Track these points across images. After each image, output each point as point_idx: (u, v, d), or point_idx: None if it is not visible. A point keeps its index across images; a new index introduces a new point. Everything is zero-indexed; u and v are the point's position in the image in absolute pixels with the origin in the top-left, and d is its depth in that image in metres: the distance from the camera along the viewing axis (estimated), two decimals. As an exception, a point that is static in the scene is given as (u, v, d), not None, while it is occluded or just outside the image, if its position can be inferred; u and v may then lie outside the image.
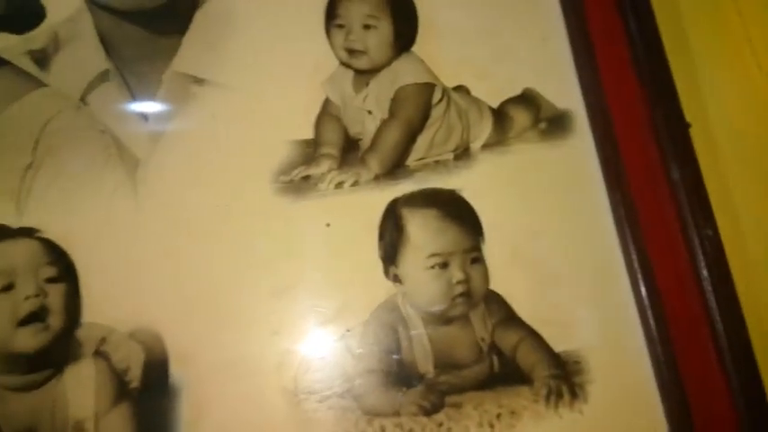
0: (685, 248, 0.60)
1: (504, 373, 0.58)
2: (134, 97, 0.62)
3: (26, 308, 0.54)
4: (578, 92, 0.65)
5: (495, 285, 0.60)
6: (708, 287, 0.59)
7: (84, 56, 0.62)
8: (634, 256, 0.60)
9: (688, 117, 0.64)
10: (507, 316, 0.60)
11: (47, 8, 0.63)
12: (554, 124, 0.65)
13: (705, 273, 0.60)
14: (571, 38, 0.66)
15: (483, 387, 0.58)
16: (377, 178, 0.62)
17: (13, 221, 0.58)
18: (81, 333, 0.56)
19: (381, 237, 0.60)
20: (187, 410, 0.55)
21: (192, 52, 0.63)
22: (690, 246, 0.60)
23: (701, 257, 0.60)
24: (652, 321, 0.59)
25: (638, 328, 0.60)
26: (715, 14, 0.68)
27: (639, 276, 0.60)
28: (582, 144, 0.64)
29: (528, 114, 0.65)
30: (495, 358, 0.59)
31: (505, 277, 0.60)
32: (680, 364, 0.58)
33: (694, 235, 0.60)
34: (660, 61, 0.65)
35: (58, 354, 0.55)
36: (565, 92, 0.65)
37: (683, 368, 0.58)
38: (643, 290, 0.60)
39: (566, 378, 0.58)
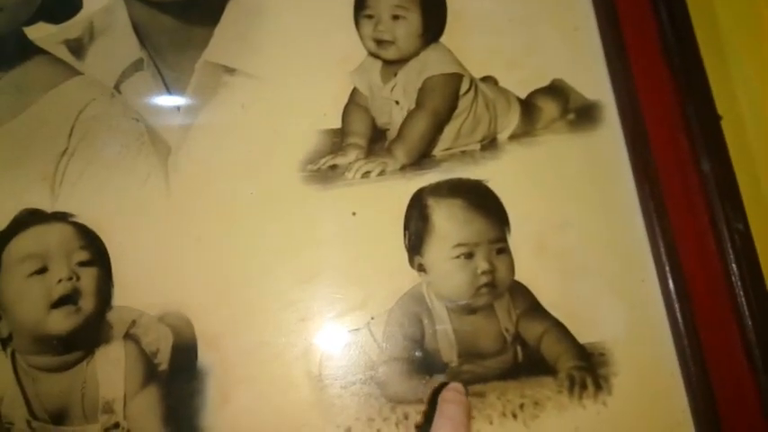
0: (715, 242, 0.60)
1: (528, 364, 0.58)
2: (167, 86, 0.63)
3: (59, 291, 0.56)
4: (608, 83, 0.65)
5: (520, 276, 0.60)
6: (737, 282, 0.59)
7: (118, 45, 0.64)
8: (662, 249, 0.59)
9: (719, 109, 0.63)
10: (532, 307, 0.60)
11: (83, -1, 0.64)
12: (583, 115, 0.64)
13: (734, 267, 0.59)
14: (601, 28, 0.65)
15: (506, 377, 0.58)
16: (403, 168, 0.62)
17: (48, 206, 0.59)
18: (112, 316, 0.57)
19: (407, 226, 0.61)
20: (214, 393, 0.56)
21: (223, 42, 0.64)
22: (719, 240, 0.59)
23: (730, 252, 0.59)
24: (679, 315, 0.58)
25: (664, 321, 0.59)
26: (748, 6, 0.67)
27: (667, 270, 0.59)
28: (611, 135, 0.63)
29: (556, 105, 0.64)
30: (519, 348, 0.59)
31: (531, 268, 0.60)
32: (707, 360, 0.58)
33: (724, 229, 0.59)
34: (692, 52, 0.64)
35: (89, 336, 0.56)
36: (594, 82, 0.65)
37: (710, 363, 0.58)
38: (671, 283, 0.59)
39: (590, 370, 0.58)
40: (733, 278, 0.59)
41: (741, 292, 0.58)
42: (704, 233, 0.60)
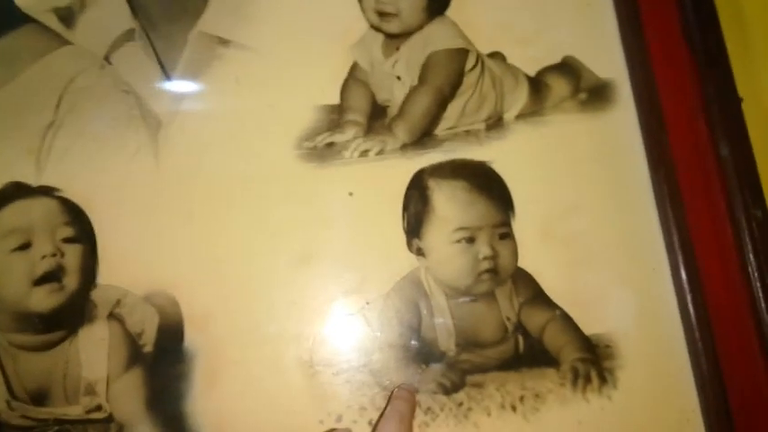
0: (731, 231, 0.56)
1: (529, 355, 0.56)
2: (158, 57, 0.61)
3: (42, 267, 0.54)
4: (623, 61, 0.61)
5: (524, 263, 0.57)
6: (753, 273, 0.55)
7: (109, 14, 0.61)
8: (675, 237, 0.56)
9: (740, 91, 0.59)
10: (536, 295, 0.57)
11: (73, -35, 0.62)
12: (595, 95, 0.61)
13: (751, 257, 0.55)
14: (616, 3, 0.62)
15: (507, 368, 0.55)
16: (404, 147, 0.59)
17: (33, 180, 0.57)
18: (96, 294, 0.55)
19: (406, 208, 0.58)
20: (200, 377, 0.54)
21: (218, 12, 0.62)
22: (736, 228, 0.56)
23: (747, 241, 0.56)
24: (691, 307, 0.56)
25: (675, 313, 0.56)
26: (774, -16, 0.63)
27: (680, 259, 0.56)
28: (624, 116, 0.60)
29: (567, 83, 0.61)
30: (520, 338, 0.56)
31: (536, 255, 0.57)
32: (719, 355, 0.55)
33: (742, 216, 0.56)
34: (713, 30, 0.60)
35: (72, 314, 0.54)
36: (608, 61, 0.61)
37: (723, 359, 0.55)
38: (683, 273, 0.56)
39: (595, 362, 0.55)
40: (750, 269, 0.56)
41: (758, 285, 0.55)
42: (720, 221, 0.57)
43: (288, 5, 0.62)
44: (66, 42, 0.60)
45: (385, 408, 0.52)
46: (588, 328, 0.56)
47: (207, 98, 0.60)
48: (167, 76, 0.60)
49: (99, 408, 0.53)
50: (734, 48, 0.60)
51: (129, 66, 0.60)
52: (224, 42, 0.61)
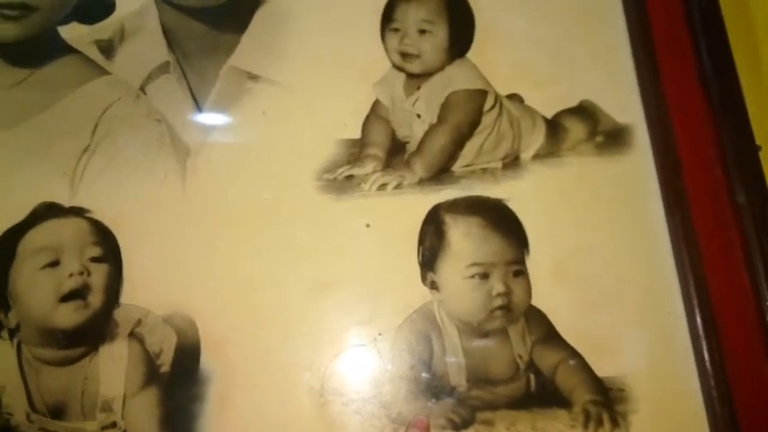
0: (748, 278, 0.56)
1: (540, 394, 0.55)
2: (191, 90, 0.64)
3: (69, 285, 0.56)
4: (640, 106, 0.62)
5: (537, 301, 0.58)
6: (771, 321, 0.55)
7: (147, 47, 0.65)
8: (691, 282, 0.56)
9: (759, 140, 0.60)
10: (548, 334, 0.57)
11: (116, 1, 0.66)
12: (612, 138, 0.62)
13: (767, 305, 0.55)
14: (634, 49, 0.63)
15: (517, 406, 0.55)
16: (421, 182, 0.61)
17: (66, 200, 0.60)
18: (119, 313, 0.57)
19: (421, 242, 0.59)
20: (214, 400, 0.55)
21: (249, 49, 0.65)
22: (753, 276, 0.56)
23: (764, 288, 0.55)
24: (706, 353, 0.55)
25: (690, 358, 0.56)
26: (793, 36, 0.64)
27: (695, 304, 0.56)
28: (641, 161, 0.61)
29: (584, 126, 0.62)
30: (532, 377, 0.56)
31: (549, 293, 0.58)
32: (736, 402, 0.54)
33: (759, 264, 0.56)
34: (730, 78, 0.61)
35: (94, 332, 0.56)
36: (625, 105, 0.63)
37: (739, 406, 0.54)
38: (698, 319, 0.56)
39: (608, 405, 0.55)
40: (766, 318, 0.55)
41: (774, 333, 0.55)
42: (737, 268, 0.57)
43: (316, 44, 0.65)
44: (104, 72, 0.64)
45: None
46: (601, 370, 0.56)
47: (234, 129, 0.63)
48: (198, 107, 0.63)
49: (114, 425, 0.54)
50: (751, 97, 0.61)
51: (163, 96, 0.63)
52: (253, 77, 0.64)
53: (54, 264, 0.56)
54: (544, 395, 0.56)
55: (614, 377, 0.56)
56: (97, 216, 0.59)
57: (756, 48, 0.64)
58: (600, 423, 0.54)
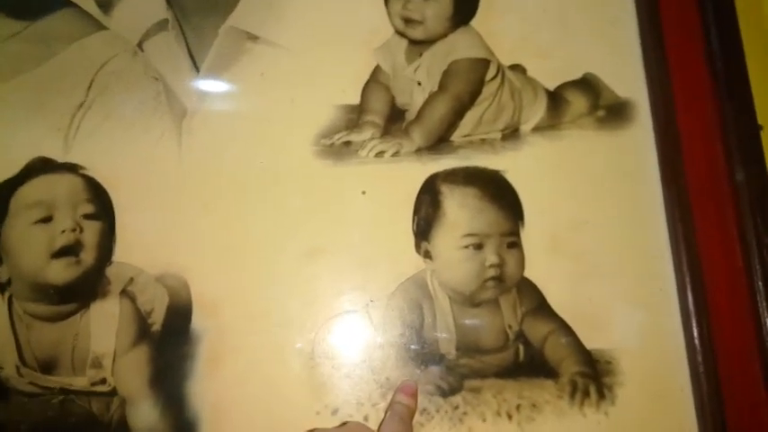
0: (741, 257, 0.56)
1: (528, 364, 0.56)
2: (189, 48, 0.63)
3: (61, 241, 0.56)
4: (643, 81, 0.62)
5: (530, 273, 0.58)
6: (762, 302, 0.55)
7: (145, 3, 0.63)
8: (684, 258, 0.56)
9: (761, 119, 0.59)
10: (539, 306, 0.57)
11: (115, -45, 0.64)
12: (613, 112, 0.61)
13: (760, 285, 0.55)
14: (641, 23, 0.62)
15: (505, 375, 0.55)
16: (419, 151, 0.60)
17: (60, 156, 0.59)
18: (111, 271, 0.56)
19: (417, 210, 0.59)
20: (204, 359, 0.55)
21: (249, 9, 0.64)
22: (746, 254, 0.56)
23: (757, 268, 0.55)
24: (695, 330, 0.55)
25: (679, 334, 0.56)
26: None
27: (687, 280, 0.56)
28: (641, 136, 0.61)
29: (586, 100, 0.61)
30: (521, 347, 0.56)
31: (542, 266, 0.58)
32: (722, 379, 0.54)
33: (753, 243, 0.56)
34: (736, 55, 0.60)
35: (86, 289, 0.56)
36: (628, 80, 0.62)
37: (724, 383, 0.54)
38: (690, 295, 0.56)
39: (595, 377, 0.55)
40: (758, 297, 0.55)
41: (765, 312, 0.55)
42: (731, 245, 0.57)
43: (317, 6, 0.64)
44: (101, 27, 0.63)
45: (387, 409, 0.53)
46: (590, 343, 0.56)
47: (232, 91, 0.62)
48: (196, 67, 0.62)
49: (104, 381, 0.54)
50: (757, 75, 0.60)
51: (160, 54, 0.62)
52: (253, 38, 0.63)
53: (47, 219, 0.56)
54: (532, 365, 0.56)
55: (603, 350, 0.56)
56: (91, 173, 0.59)
57: (764, 25, 0.63)
58: (586, 394, 0.55)
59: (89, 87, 0.61)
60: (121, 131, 0.60)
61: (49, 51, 0.61)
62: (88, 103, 0.60)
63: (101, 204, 0.57)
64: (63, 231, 0.56)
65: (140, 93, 0.61)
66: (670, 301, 0.57)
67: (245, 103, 0.62)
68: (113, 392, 0.54)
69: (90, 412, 0.54)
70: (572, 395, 0.55)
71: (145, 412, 0.54)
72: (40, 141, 0.59)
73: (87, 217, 0.57)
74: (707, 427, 0.53)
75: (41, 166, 0.58)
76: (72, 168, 0.58)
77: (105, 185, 0.58)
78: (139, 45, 0.62)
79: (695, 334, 0.55)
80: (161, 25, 0.63)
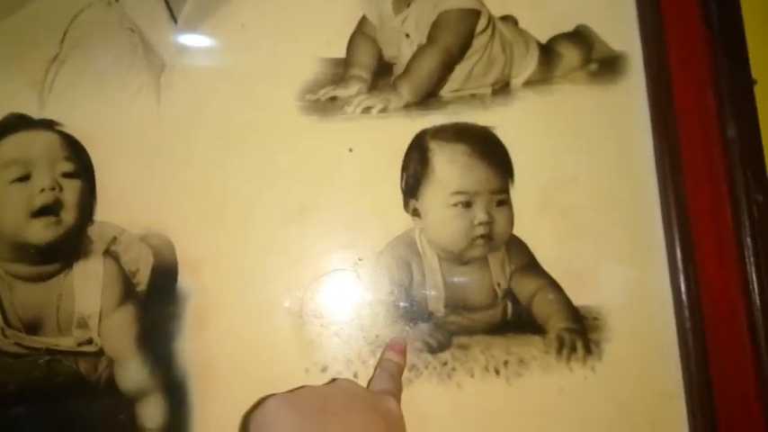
0: (731, 212, 0.56)
1: (516, 321, 0.56)
2: (166, -2, 0.60)
3: (40, 200, 0.54)
4: (637, 34, 0.60)
5: (519, 231, 0.57)
6: (749, 257, 0.55)
7: (119, -50, 0.60)
8: (673, 214, 0.56)
9: (755, 73, 0.58)
10: (528, 263, 0.57)
11: None
12: (606, 66, 0.60)
13: (749, 241, 0.55)
14: (636, -27, 0.60)
15: (493, 332, 0.56)
16: (407, 106, 0.59)
17: (35, 112, 0.57)
18: (93, 231, 0.55)
19: (405, 168, 0.58)
20: (191, 318, 0.55)
21: (229, -44, 0.60)
22: (736, 210, 0.56)
23: (746, 224, 0.55)
24: (683, 286, 0.56)
25: (667, 291, 0.56)
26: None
27: (676, 236, 0.56)
28: (634, 91, 0.59)
29: (578, 53, 0.60)
30: (509, 304, 0.56)
31: (532, 223, 0.57)
32: (708, 336, 0.55)
33: (743, 199, 0.56)
34: (732, 8, 0.59)
35: (68, 249, 0.55)
36: (622, 32, 0.60)
37: (711, 340, 0.55)
38: (678, 252, 0.56)
39: (582, 333, 0.55)
40: (746, 252, 0.55)
41: (753, 269, 0.55)
42: (720, 202, 0.56)
43: (300, -47, 0.61)
44: (74, -24, 0.60)
45: (377, 366, 0.53)
46: (577, 299, 0.56)
47: (212, 43, 0.60)
48: (173, 18, 0.60)
49: (90, 341, 0.54)
50: (752, 29, 0.59)
51: (136, 5, 0.60)
52: (233, -14, 0.60)
53: (24, 178, 0.55)
54: (520, 322, 0.56)
55: (590, 306, 0.56)
56: (68, 130, 0.57)
57: (762, -24, 0.61)
58: (573, 349, 0.55)
59: (62, 40, 0.58)
60: (98, 86, 0.58)
61: (17, 2, 0.58)
62: (62, 57, 0.58)
63: (80, 162, 0.56)
64: (42, 190, 0.54)
65: (116, 45, 0.59)
66: (658, 257, 0.57)
67: (226, 56, 0.60)
68: (100, 352, 0.54)
69: (77, 372, 0.54)
70: (559, 351, 0.55)
71: (133, 372, 0.54)
72: (14, 97, 0.57)
73: (66, 175, 0.55)
74: (692, 382, 0.54)
75: (16, 124, 0.56)
76: (48, 125, 0.56)
77: (83, 142, 0.57)
78: (114, -6, 0.59)
79: (683, 290, 0.55)
80: (137, -27, 0.60)
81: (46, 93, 0.57)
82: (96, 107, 0.57)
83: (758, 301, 0.55)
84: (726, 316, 0.55)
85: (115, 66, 0.58)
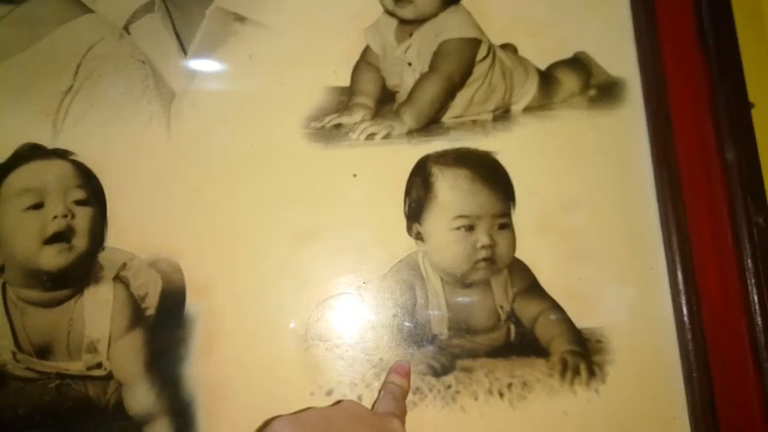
0: (731, 235, 0.57)
1: (520, 344, 0.56)
2: (176, 30, 0.62)
3: (53, 227, 0.56)
4: (635, 60, 0.61)
5: (521, 254, 0.58)
6: (750, 279, 0.56)
7: (131, -15, 0.62)
8: (674, 237, 0.57)
9: (752, 97, 0.59)
10: (530, 286, 0.58)
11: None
12: (605, 92, 0.61)
13: (749, 263, 0.56)
14: (632, 1, 0.62)
15: (497, 355, 0.56)
16: (410, 133, 0.60)
17: (49, 142, 0.59)
18: (103, 257, 0.57)
19: (408, 192, 0.59)
20: (199, 342, 0.56)
21: (236, -11, 0.63)
22: (736, 233, 0.56)
23: (746, 246, 0.56)
24: (685, 308, 0.56)
25: (669, 313, 0.57)
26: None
27: (677, 259, 0.57)
28: (632, 115, 0.60)
29: (577, 79, 0.61)
30: (512, 327, 0.57)
31: (534, 246, 0.58)
32: (710, 357, 0.55)
33: (743, 222, 0.56)
34: (728, 33, 0.60)
35: (79, 274, 0.56)
36: (620, 58, 0.62)
37: (714, 361, 0.55)
38: (680, 274, 0.57)
39: (585, 355, 0.56)
40: (747, 275, 0.56)
41: (754, 291, 0.55)
42: (721, 225, 0.57)
43: (305, -14, 0.63)
44: (87, 10, 0.62)
45: (381, 389, 0.54)
46: (580, 322, 0.57)
47: (220, 73, 0.62)
48: (183, 49, 0.62)
49: (99, 365, 0.55)
50: (748, 53, 0.60)
51: (147, 37, 0.62)
52: (240, 19, 0.62)
53: (38, 206, 0.56)
54: (523, 345, 0.57)
55: (593, 329, 0.57)
56: (81, 158, 0.58)
57: (757, 3, 0.62)
58: (577, 372, 0.56)
59: (76, 72, 0.60)
60: (110, 116, 0.60)
61: (35, 35, 0.61)
62: (76, 88, 0.60)
63: (91, 190, 0.57)
64: (54, 217, 0.56)
65: (127, 76, 0.61)
66: (660, 280, 0.57)
67: (234, 85, 0.61)
68: (109, 376, 0.55)
69: (86, 396, 0.55)
70: (562, 373, 0.55)
71: (141, 395, 0.55)
72: (29, 127, 0.59)
73: (78, 203, 0.57)
74: (696, 403, 0.54)
75: (31, 153, 0.58)
76: (62, 154, 0.58)
77: (95, 171, 0.58)
78: (126, 28, 0.61)
79: (685, 313, 0.56)
80: (147, 7, 0.62)
81: (59, 123, 0.59)
82: (108, 136, 0.59)
83: (760, 323, 0.55)
84: (728, 337, 0.56)
85: (127, 96, 0.60)
